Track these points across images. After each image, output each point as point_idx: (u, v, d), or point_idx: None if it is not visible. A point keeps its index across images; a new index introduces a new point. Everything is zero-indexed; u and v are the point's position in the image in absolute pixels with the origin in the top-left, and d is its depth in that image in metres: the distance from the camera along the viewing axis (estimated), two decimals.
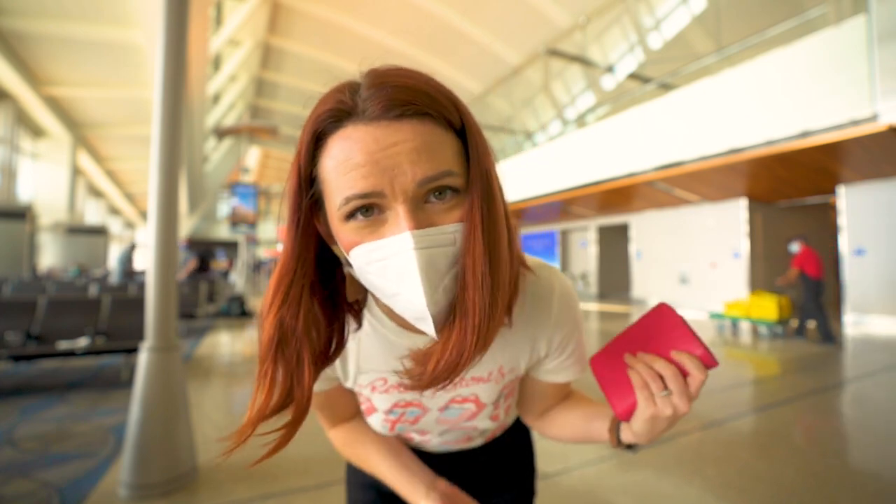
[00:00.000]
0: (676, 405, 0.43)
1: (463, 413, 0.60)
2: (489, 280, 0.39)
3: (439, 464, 0.70)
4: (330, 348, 0.47)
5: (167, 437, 1.94)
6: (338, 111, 0.38)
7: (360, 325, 0.50)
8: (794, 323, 5.96)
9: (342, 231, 0.40)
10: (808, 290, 5.63)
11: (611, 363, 0.49)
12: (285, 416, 0.44)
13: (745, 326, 6.86)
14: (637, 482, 2.08)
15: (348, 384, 0.59)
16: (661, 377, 0.43)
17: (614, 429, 0.53)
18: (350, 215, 0.38)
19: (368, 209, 0.38)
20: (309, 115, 0.40)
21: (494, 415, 0.62)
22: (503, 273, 0.41)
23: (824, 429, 2.78)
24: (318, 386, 0.56)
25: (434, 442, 0.68)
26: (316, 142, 0.40)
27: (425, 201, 0.38)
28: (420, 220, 0.37)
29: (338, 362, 0.56)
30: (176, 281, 2.08)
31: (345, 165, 0.37)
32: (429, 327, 0.39)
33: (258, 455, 0.46)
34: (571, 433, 0.61)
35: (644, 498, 1.95)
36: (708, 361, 0.42)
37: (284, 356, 0.42)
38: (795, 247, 5.87)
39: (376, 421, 0.61)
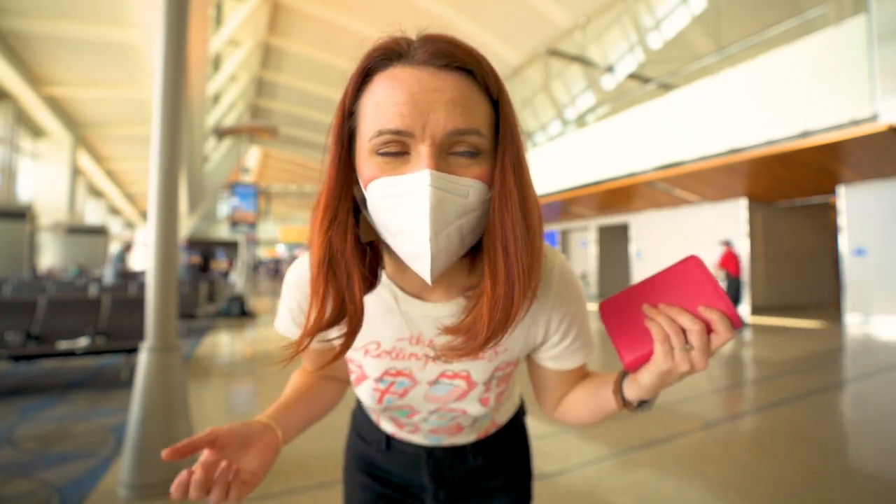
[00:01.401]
0: (695, 362, 0.41)
1: (452, 390, 0.59)
2: (529, 241, 0.42)
3: (434, 461, 0.69)
4: (371, 275, 0.49)
5: (167, 437, 1.94)
6: (389, 51, 0.41)
7: (383, 266, 0.51)
8: None
9: (366, 164, 0.42)
10: (728, 286, 6.77)
11: (624, 311, 0.46)
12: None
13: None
14: (637, 482, 2.08)
15: None
16: (685, 332, 0.41)
17: (618, 389, 0.50)
18: (377, 149, 0.40)
19: (395, 147, 0.40)
20: (362, 57, 0.43)
21: (484, 398, 0.60)
22: (538, 235, 0.43)
23: (824, 429, 2.78)
24: (315, 344, 0.55)
25: (423, 429, 0.66)
26: (363, 78, 0.42)
27: (448, 153, 0.40)
28: (441, 165, 0.39)
29: None
30: (176, 281, 2.08)
31: (386, 101, 0.39)
32: (425, 266, 0.40)
33: None
34: (585, 410, 0.58)
35: (644, 498, 1.95)
36: (735, 321, 0.41)
37: (336, 275, 0.45)
38: (720, 250, 7.06)
39: (366, 390, 0.60)
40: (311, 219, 0.47)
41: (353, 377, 0.62)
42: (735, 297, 6.67)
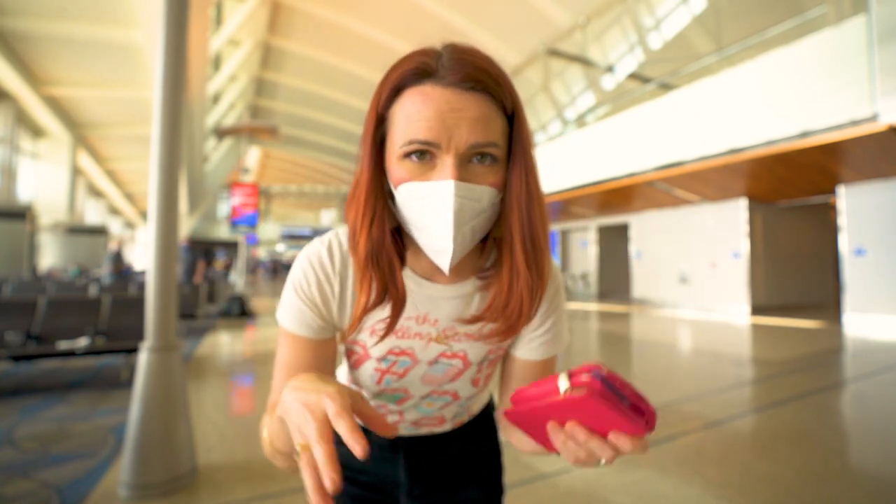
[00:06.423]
0: (606, 462, 0.42)
1: (449, 370, 0.61)
2: (535, 241, 0.50)
3: (408, 451, 0.70)
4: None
5: (167, 437, 1.94)
6: (421, 70, 0.46)
7: (407, 248, 0.57)
8: None
9: (396, 168, 0.48)
10: None
11: (532, 420, 0.43)
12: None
13: None
14: (637, 482, 2.08)
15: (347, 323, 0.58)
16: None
17: None
18: (407, 155, 0.46)
19: (423, 154, 0.46)
20: (391, 69, 0.48)
21: (476, 378, 0.63)
22: (543, 236, 0.51)
23: (824, 429, 2.78)
24: (306, 332, 0.55)
25: (407, 419, 0.68)
26: (395, 91, 0.48)
27: (469, 161, 0.46)
28: (462, 174, 0.45)
29: (340, 309, 0.57)
30: (176, 280, 2.08)
31: (417, 115, 0.45)
32: (445, 260, 0.47)
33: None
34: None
35: (644, 498, 1.95)
36: (642, 431, 0.39)
37: (379, 266, 0.51)
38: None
39: (366, 371, 0.61)
40: (347, 213, 0.53)
41: (352, 360, 0.62)
42: None
